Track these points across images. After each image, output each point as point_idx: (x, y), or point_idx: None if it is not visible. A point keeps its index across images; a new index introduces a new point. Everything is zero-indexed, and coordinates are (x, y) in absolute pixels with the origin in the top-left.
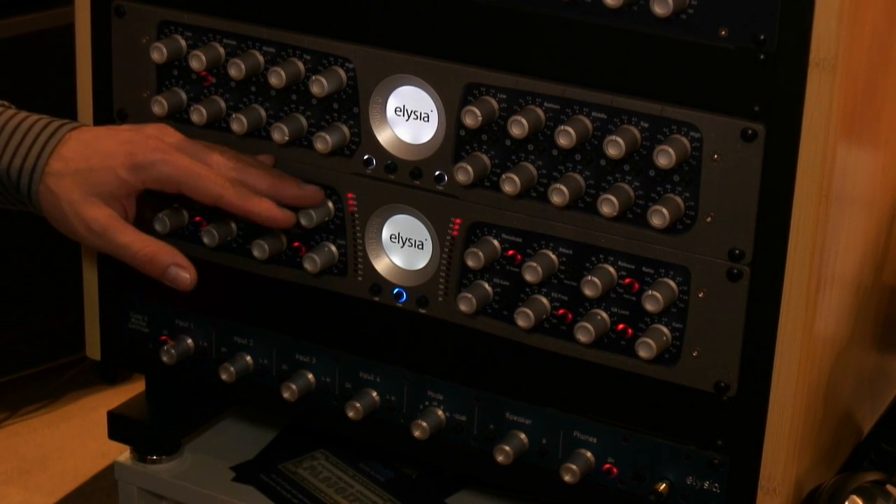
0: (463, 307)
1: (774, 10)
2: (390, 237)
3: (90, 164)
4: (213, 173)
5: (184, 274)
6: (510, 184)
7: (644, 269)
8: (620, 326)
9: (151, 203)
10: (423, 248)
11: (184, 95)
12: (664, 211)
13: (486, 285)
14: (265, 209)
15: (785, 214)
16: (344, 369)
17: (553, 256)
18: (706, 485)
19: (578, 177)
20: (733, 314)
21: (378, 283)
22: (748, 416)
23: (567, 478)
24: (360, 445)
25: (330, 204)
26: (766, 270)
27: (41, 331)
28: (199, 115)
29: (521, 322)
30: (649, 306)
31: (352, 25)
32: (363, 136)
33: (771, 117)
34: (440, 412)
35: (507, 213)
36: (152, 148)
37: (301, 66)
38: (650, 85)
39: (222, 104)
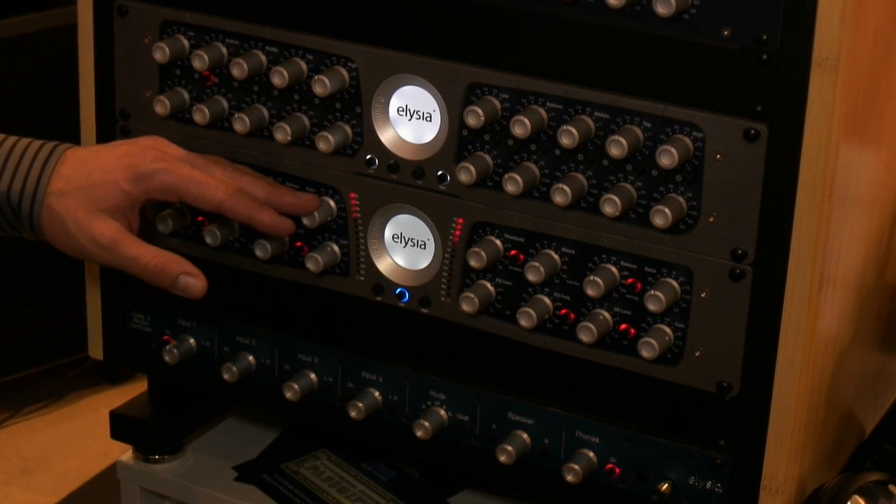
0: (465, 307)
1: (777, 10)
2: (392, 237)
3: (92, 181)
4: (214, 180)
5: (194, 282)
6: (512, 184)
7: (646, 269)
8: (623, 326)
9: (154, 204)
10: (425, 248)
11: (186, 95)
12: (666, 211)
13: (489, 285)
14: (267, 216)
15: (787, 214)
16: (346, 369)
17: (555, 256)
18: (708, 485)
19: (581, 177)
20: (736, 314)
21: (380, 283)
22: (750, 416)
23: (569, 478)
24: (362, 445)
25: (332, 204)
26: (769, 270)
27: (43, 330)
28: (201, 114)
29: (523, 322)
30: (651, 306)
31: (354, 25)
32: (365, 136)
33: (773, 117)
34: (442, 412)
35: (510, 212)
36: (152, 158)
37: (303, 65)
38: (652, 85)
39: (225, 104)
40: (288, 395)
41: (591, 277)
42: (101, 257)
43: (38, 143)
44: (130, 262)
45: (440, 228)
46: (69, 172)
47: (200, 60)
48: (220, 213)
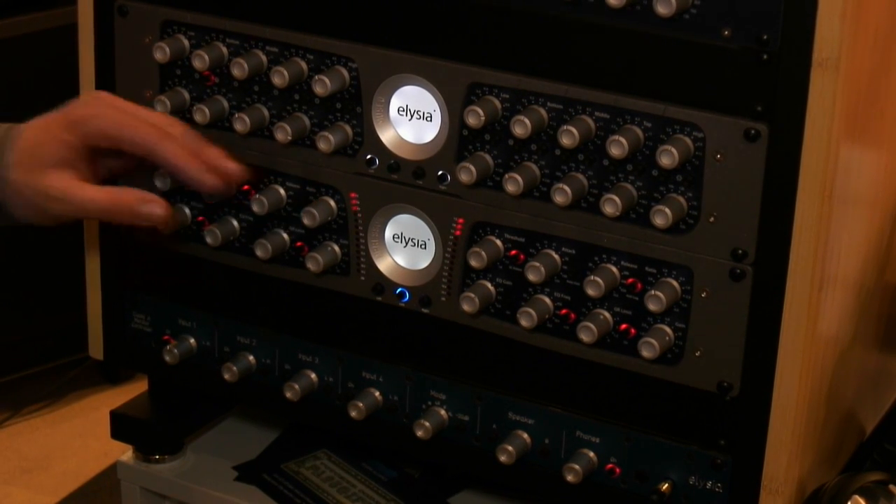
0: (466, 307)
1: (777, 9)
2: (393, 237)
3: (37, 141)
4: (146, 125)
5: (156, 209)
6: (513, 183)
7: (647, 268)
8: (623, 326)
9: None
10: (425, 248)
11: (187, 95)
12: (667, 211)
13: (489, 285)
14: (196, 166)
15: (788, 214)
16: (346, 369)
17: (556, 256)
18: (709, 485)
19: (581, 176)
20: (736, 314)
21: (381, 283)
22: (751, 416)
23: (569, 478)
24: (362, 445)
25: (333, 203)
26: (769, 270)
27: (44, 330)
28: (202, 114)
29: (523, 322)
30: (652, 306)
31: (355, 25)
32: (366, 136)
33: (774, 117)
34: (443, 412)
35: (510, 212)
36: (85, 104)
37: (304, 65)
38: (653, 85)
39: (225, 104)
40: (288, 395)
41: (592, 277)
42: (62, 210)
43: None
44: (87, 205)
45: (440, 228)
46: (23, 144)
47: (201, 60)
48: (153, 159)
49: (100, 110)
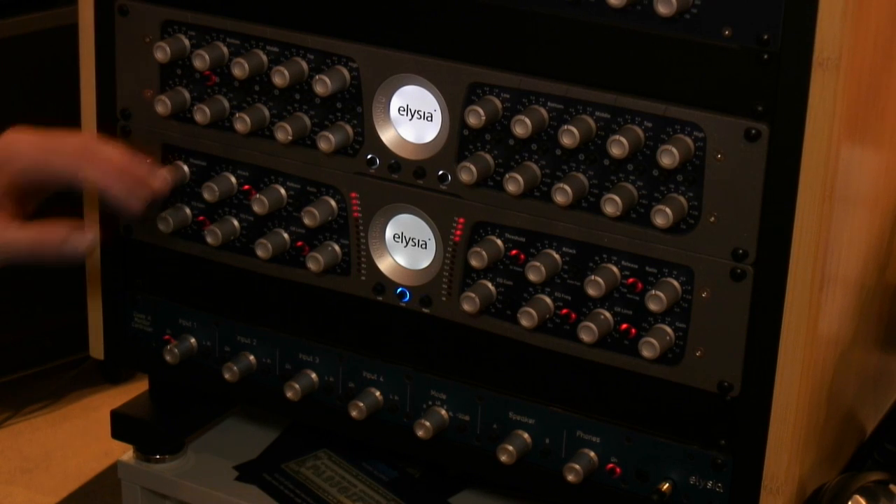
0: (466, 307)
1: (778, 9)
2: (394, 237)
3: None
4: (64, 154)
5: (80, 238)
6: (514, 183)
7: (647, 268)
8: (624, 326)
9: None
10: (426, 248)
11: (187, 95)
12: (668, 211)
13: (490, 285)
14: (122, 184)
15: (788, 214)
16: (347, 369)
17: (556, 256)
18: (709, 484)
19: (582, 176)
20: (737, 314)
21: (381, 283)
22: (751, 416)
23: (570, 477)
24: (363, 445)
25: (333, 203)
26: (770, 270)
27: (44, 330)
28: (202, 114)
29: (524, 322)
30: (652, 306)
31: (355, 25)
32: (366, 136)
33: (774, 117)
34: (443, 411)
35: (511, 212)
36: (3, 147)
37: (304, 65)
38: (654, 84)
39: (226, 103)
40: (289, 394)
41: (592, 277)
42: None
43: None
44: (13, 245)
45: (441, 228)
46: None
47: (201, 60)
48: (79, 182)
49: (17, 149)
